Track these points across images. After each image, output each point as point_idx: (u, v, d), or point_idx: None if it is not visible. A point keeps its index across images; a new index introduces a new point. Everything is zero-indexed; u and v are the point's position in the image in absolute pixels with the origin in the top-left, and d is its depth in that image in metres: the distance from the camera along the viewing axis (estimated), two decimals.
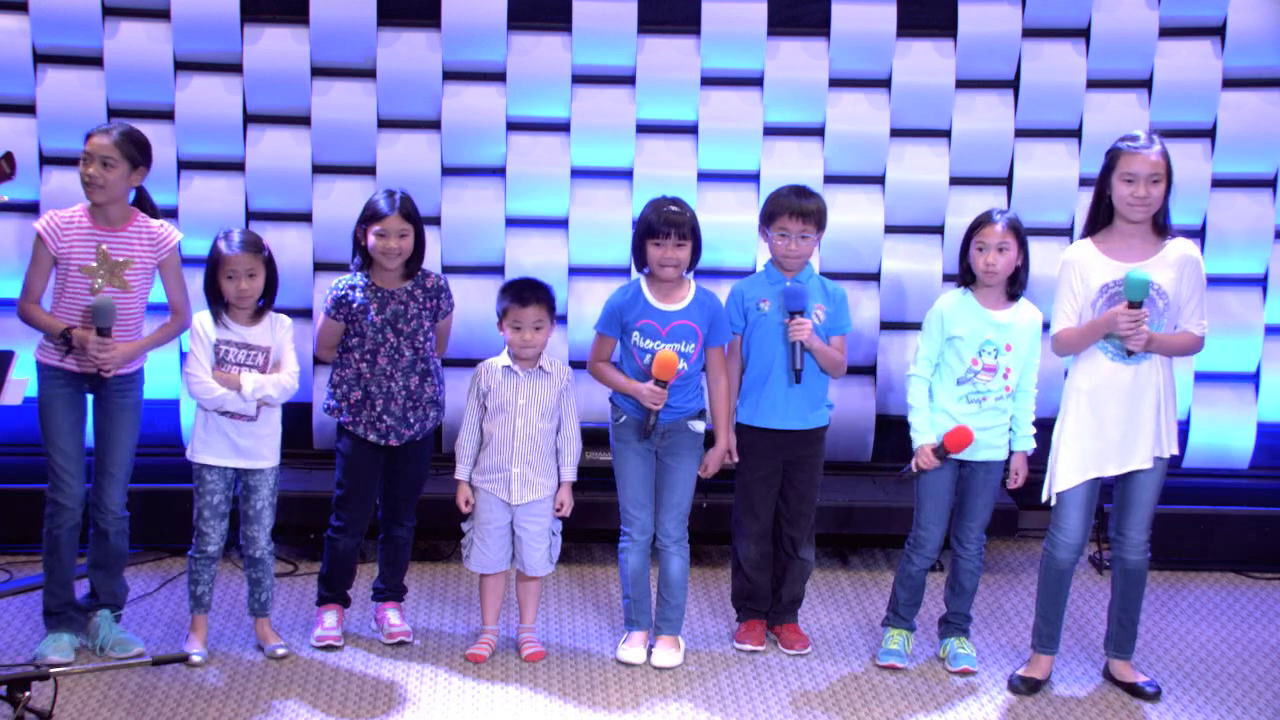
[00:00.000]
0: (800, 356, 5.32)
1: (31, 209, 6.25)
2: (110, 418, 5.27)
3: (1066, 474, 5.13)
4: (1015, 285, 5.33)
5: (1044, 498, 5.21)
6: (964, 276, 5.36)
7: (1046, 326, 5.29)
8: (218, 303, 5.23)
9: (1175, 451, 5.18)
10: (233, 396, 5.21)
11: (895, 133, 6.47)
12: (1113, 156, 5.02)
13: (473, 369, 5.45)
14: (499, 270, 6.41)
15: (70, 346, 5.11)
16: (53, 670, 4.66)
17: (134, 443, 5.34)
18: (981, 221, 5.30)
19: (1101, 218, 5.08)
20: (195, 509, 5.34)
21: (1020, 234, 5.29)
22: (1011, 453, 5.38)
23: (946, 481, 5.38)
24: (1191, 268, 5.05)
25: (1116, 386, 5.06)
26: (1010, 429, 5.37)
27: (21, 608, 5.66)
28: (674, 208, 5.31)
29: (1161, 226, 5.05)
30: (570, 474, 5.42)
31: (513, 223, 6.48)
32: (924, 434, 5.33)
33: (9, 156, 5.20)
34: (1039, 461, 5.37)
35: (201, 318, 5.27)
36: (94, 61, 6.32)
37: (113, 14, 6.30)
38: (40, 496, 5.31)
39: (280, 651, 5.41)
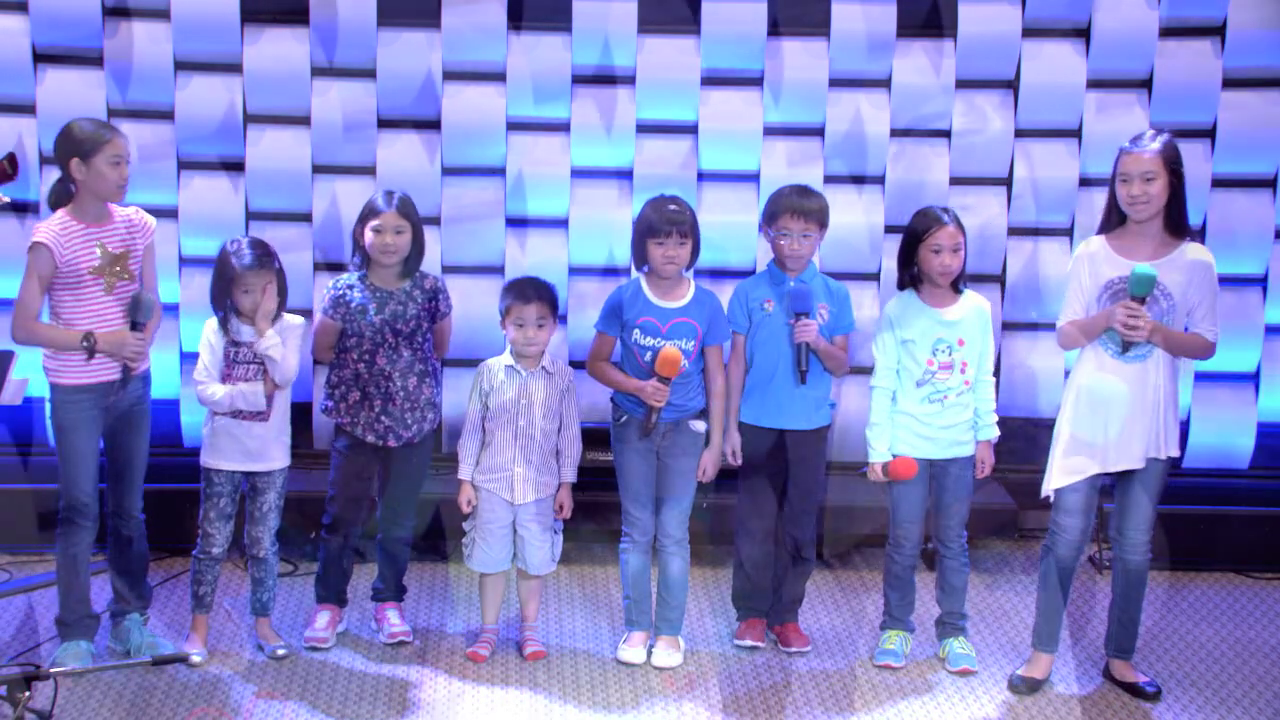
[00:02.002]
0: (806, 358, 5.32)
1: (31, 209, 6.25)
2: (130, 425, 5.24)
3: (1061, 472, 5.14)
4: (960, 279, 5.34)
5: (1043, 494, 5.23)
6: (909, 279, 5.36)
7: (1052, 326, 5.28)
8: (226, 308, 5.23)
9: (1175, 453, 5.18)
10: (238, 394, 5.20)
11: (895, 133, 6.47)
12: (1116, 159, 5.04)
13: (473, 369, 5.45)
14: (499, 270, 6.41)
15: (93, 351, 5.06)
16: (53, 670, 4.66)
17: (148, 446, 5.34)
18: (930, 224, 5.28)
19: (1114, 218, 5.10)
20: (201, 511, 5.35)
21: (963, 228, 5.31)
22: (978, 443, 5.40)
23: (919, 481, 5.39)
24: (1203, 272, 5.04)
25: (1115, 384, 5.06)
26: (974, 421, 5.38)
27: (22, 607, 5.66)
28: (674, 207, 5.32)
29: (1177, 227, 5.04)
30: (570, 475, 5.42)
31: (513, 223, 6.48)
32: (878, 452, 5.37)
33: (11, 158, 5.19)
34: (1040, 458, 5.37)
35: (209, 325, 5.26)
36: (94, 61, 6.33)
37: (113, 14, 6.30)
38: (40, 495, 5.30)
39: (280, 652, 5.40)
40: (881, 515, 6.02)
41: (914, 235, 5.30)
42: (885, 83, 6.45)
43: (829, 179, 6.38)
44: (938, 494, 5.41)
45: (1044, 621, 5.30)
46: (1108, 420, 5.08)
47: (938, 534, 5.47)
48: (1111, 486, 5.23)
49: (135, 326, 5.08)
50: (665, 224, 5.27)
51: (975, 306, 5.36)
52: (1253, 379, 6.57)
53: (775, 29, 6.40)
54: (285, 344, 5.28)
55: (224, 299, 5.22)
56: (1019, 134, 6.47)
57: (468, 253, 6.45)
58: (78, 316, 5.05)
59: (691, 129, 6.46)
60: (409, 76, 6.37)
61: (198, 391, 5.24)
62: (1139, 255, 5.02)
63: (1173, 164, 4.99)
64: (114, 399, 5.13)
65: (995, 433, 5.38)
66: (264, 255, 5.20)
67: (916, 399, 5.33)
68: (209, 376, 5.22)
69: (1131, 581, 5.26)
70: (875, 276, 6.51)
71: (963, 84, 6.44)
